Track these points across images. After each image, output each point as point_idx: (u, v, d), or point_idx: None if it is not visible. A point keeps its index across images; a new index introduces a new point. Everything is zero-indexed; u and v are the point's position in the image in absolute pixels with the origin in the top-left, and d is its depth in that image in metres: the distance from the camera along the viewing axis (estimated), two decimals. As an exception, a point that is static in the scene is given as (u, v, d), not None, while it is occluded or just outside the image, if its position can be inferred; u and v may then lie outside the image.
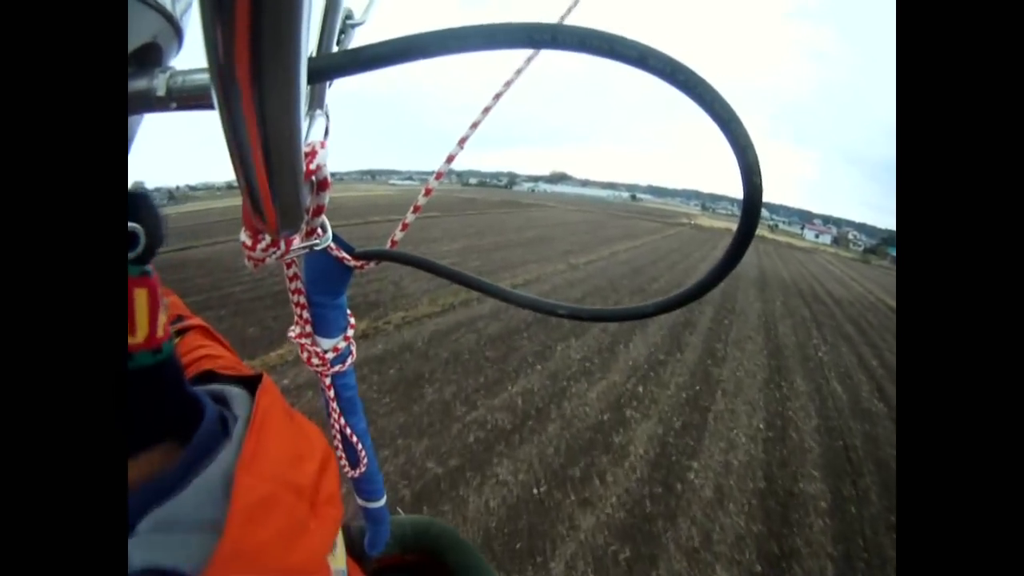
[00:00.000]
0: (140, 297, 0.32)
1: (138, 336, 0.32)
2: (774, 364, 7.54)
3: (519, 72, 0.61)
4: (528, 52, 0.60)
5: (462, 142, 0.58)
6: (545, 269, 12.32)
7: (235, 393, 0.42)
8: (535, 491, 3.83)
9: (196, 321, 0.74)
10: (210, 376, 0.50)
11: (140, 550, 0.29)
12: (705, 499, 4.09)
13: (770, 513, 4.04)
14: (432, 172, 0.59)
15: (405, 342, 6.43)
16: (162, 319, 0.33)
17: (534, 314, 7.75)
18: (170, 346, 0.35)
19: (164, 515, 0.31)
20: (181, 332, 0.68)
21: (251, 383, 0.44)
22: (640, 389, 5.85)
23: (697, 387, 6.17)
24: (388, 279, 9.29)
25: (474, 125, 0.60)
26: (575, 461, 4.27)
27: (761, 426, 5.48)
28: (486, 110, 0.60)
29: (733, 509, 4.01)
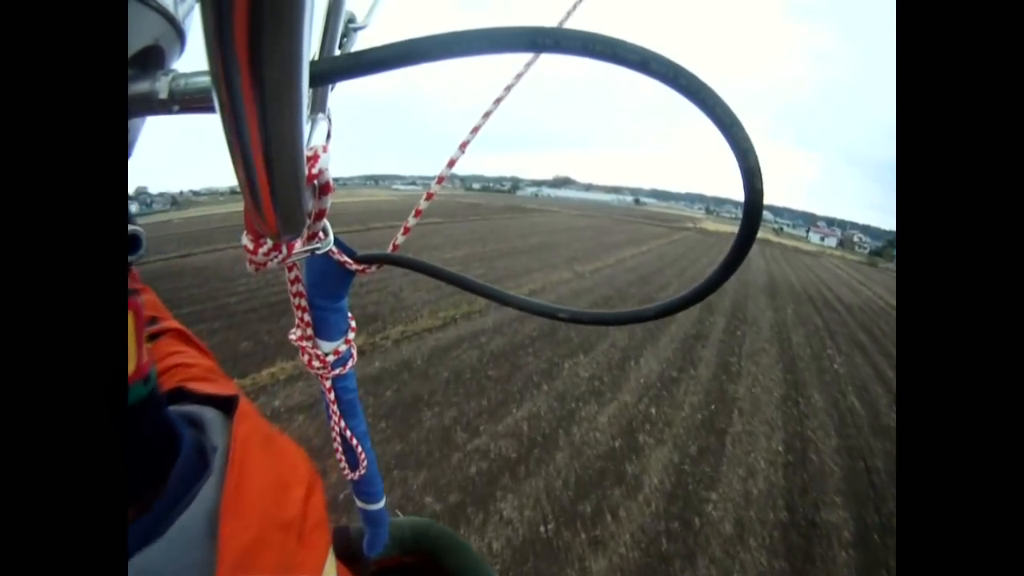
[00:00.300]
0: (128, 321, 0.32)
1: (130, 365, 0.32)
2: (790, 378, 7.25)
3: (519, 76, 0.61)
4: (530, 56, 0.60)
5: (463, 146, 0.58)
6: (550, 278, 12.03)
7: (211, 417, 0.40)
8: (542, 530, 3.54)
9: (171, 324, 0.71)
10: (180, 393, 0.48)
11: None
12: (725, 535, 3.81)
13: (792, 547, 3.79)
14: (435, 177, 0.59)
15: (403, 360, 6.12)
16: (147, 344, 0.34)
17: (539, 329, 7.57)
18: (154, 371, 0.35)
19: (148, 562, 0.30)
20: (153, 336, 0.66)
21: (226, 402, 0.43)
22: (653, 411, 5.53)
23: (713, 406, 5.85)
24: (388, 290, 9.02)
25: (475, 129, 0.59)
26: (585, 495, 3.96)
27: (780, 449, 5.20)
28: (487, 114, 0.59)
29: (754, 544, 3.76)
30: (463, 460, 4.20)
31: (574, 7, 0.62)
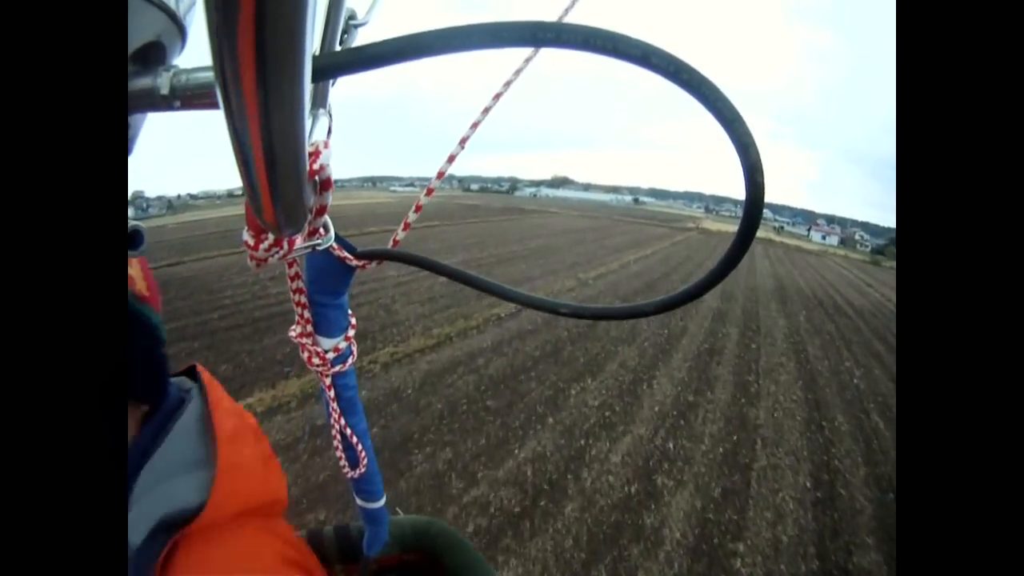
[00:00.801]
0: (135, 265, 0.43)
1: (141, 288, 0.43)
2: (811, 398, 6.79)
3: (518, 72, 0.61)
4: (529, 51, 0.60)
5: (463, 142, 0.59)
6: (552, 286, 11.54)
7: (179, 377, 0.52)
8: (551, 605, 3.02)
9: None
10: None
11: (151, 503, 0.39)
12: (755, 594, 3.38)
13: (825, 602, 3.42)
14: (434, 178, 0.59)
15: (393, 388, 5.58)
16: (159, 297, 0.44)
17: (542, 349, 7.03)
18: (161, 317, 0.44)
19: (160, 465, 0.41)
20: None
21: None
22: (670, 445, 4.99)
23: (734, 437, 5.33)
24: (379, 302, 8.53)
25: (474, 125, 0.60)
26: (599, 556, 3.45)
27: (808, 484, 4.75)
28: (486, 110, 0.60)
29: (786, 604, 3.36)
30: (459, 515, 3.67)
31: (573, 3, 0.61)
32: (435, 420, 4.96)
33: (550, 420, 5.21)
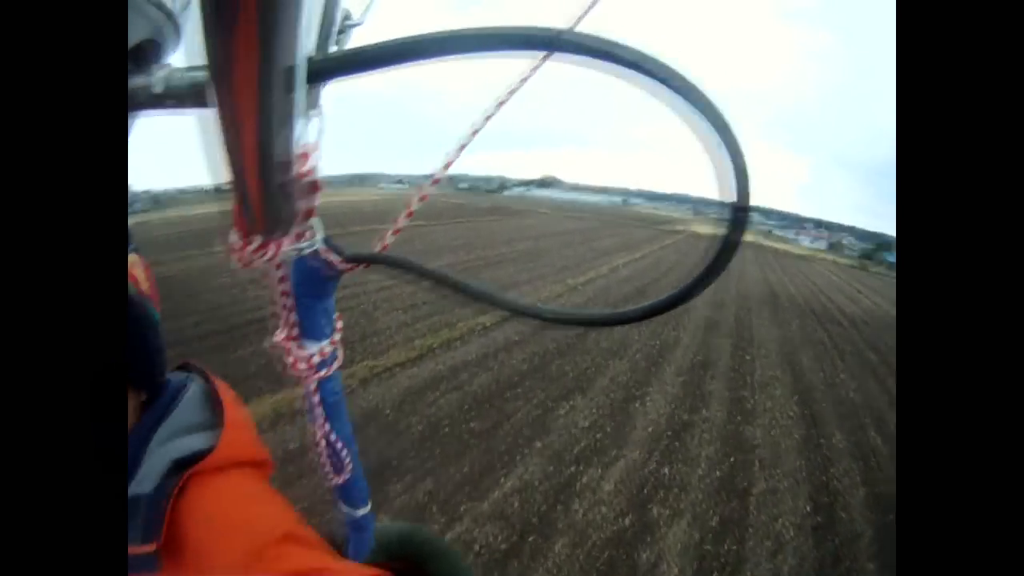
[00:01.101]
0: (138, 266, 0.46)
1: (145, 288, 0.47)
2: (807, 413, 6.65)
3: (524, 80, 0.58)
4: (533, 61, 0.57)
5: (462, 148, 0.57)
6: (540, 292, 11.29)
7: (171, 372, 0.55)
8: (540, 660, 2.76)
9: None
10: None
11: (172, 450, 0.45)
12: (758, 638, 3.20)
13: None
14: (423, 175, 0.59)
15: (370, 407, 5.26)
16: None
17: (529, 363, 6.70)
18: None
19: (174, 424, 0.47)
20: None
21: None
22: (666, 471, 4.75)
23: (731, 459, 5.12)
24: (359, 309, 8.18)
25: (475, 132, 0.57)
26: (591, 601, 3.17)
27: (808, 509, 4.59)
28: (488, 117, 0.58)
29: (789, 645, 3.22)
30: (438, 555, 3.38)
31: (585, 12, 0.57)
32: (415, 444, 4.65)
33: (538, 444, 4.91)
